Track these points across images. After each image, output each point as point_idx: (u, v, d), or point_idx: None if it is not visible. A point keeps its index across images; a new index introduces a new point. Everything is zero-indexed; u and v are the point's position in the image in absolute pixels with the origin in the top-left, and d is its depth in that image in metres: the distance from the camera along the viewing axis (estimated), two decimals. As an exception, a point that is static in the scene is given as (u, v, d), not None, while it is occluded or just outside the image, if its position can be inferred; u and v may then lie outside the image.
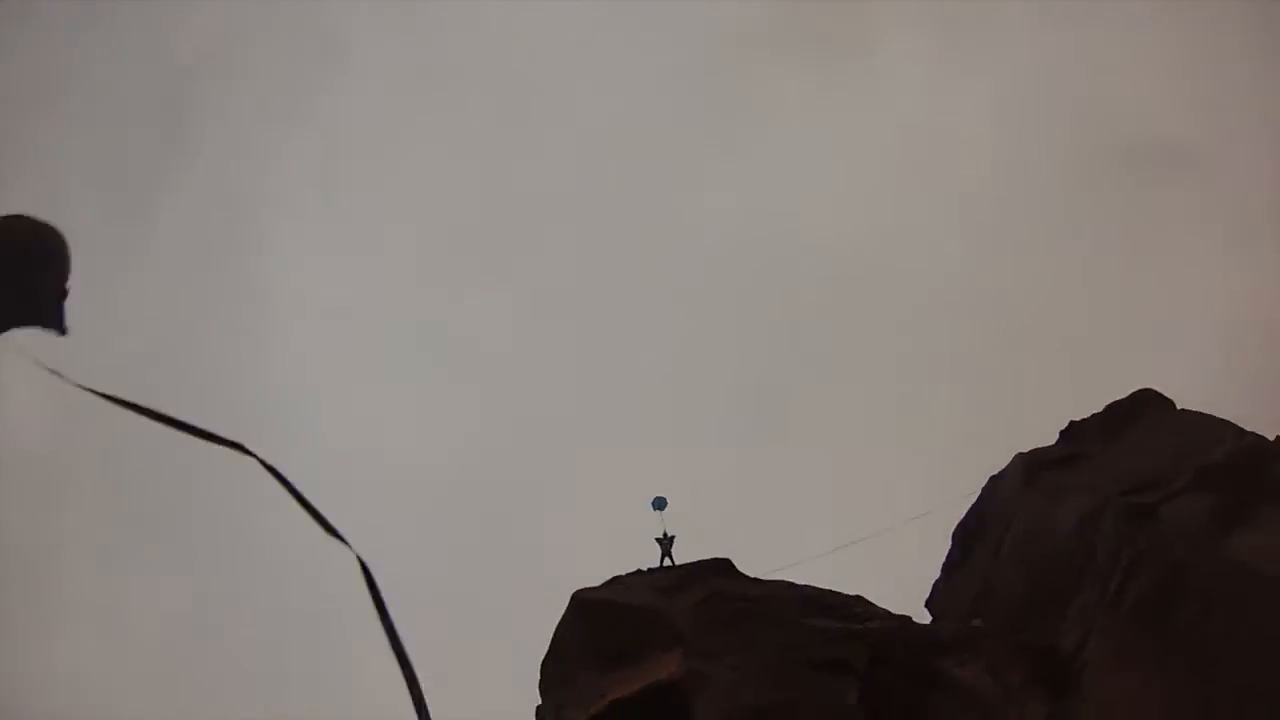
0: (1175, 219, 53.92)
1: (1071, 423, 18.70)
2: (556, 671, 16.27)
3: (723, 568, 16.61)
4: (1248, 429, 16.51)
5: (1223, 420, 17.64)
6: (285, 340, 63.36)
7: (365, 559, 4.37)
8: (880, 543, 21.34)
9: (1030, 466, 17.25)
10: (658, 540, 19.68)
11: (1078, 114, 57.60)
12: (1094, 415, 18.63)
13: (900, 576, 19.86)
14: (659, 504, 20.18)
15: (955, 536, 18.22)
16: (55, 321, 3.99)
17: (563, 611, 16.78)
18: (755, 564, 17.54)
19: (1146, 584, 13.53)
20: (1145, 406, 18.54)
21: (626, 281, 64.56)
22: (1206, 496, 14.73)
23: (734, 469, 51.48)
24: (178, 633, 47.25)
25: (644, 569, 18.19)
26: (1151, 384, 18.87)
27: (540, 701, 16.55)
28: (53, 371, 3.87)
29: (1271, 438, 16.26)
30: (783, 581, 16.50)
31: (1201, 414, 18.21)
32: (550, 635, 16.78)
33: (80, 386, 3.99)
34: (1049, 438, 18.96)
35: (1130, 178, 64.31)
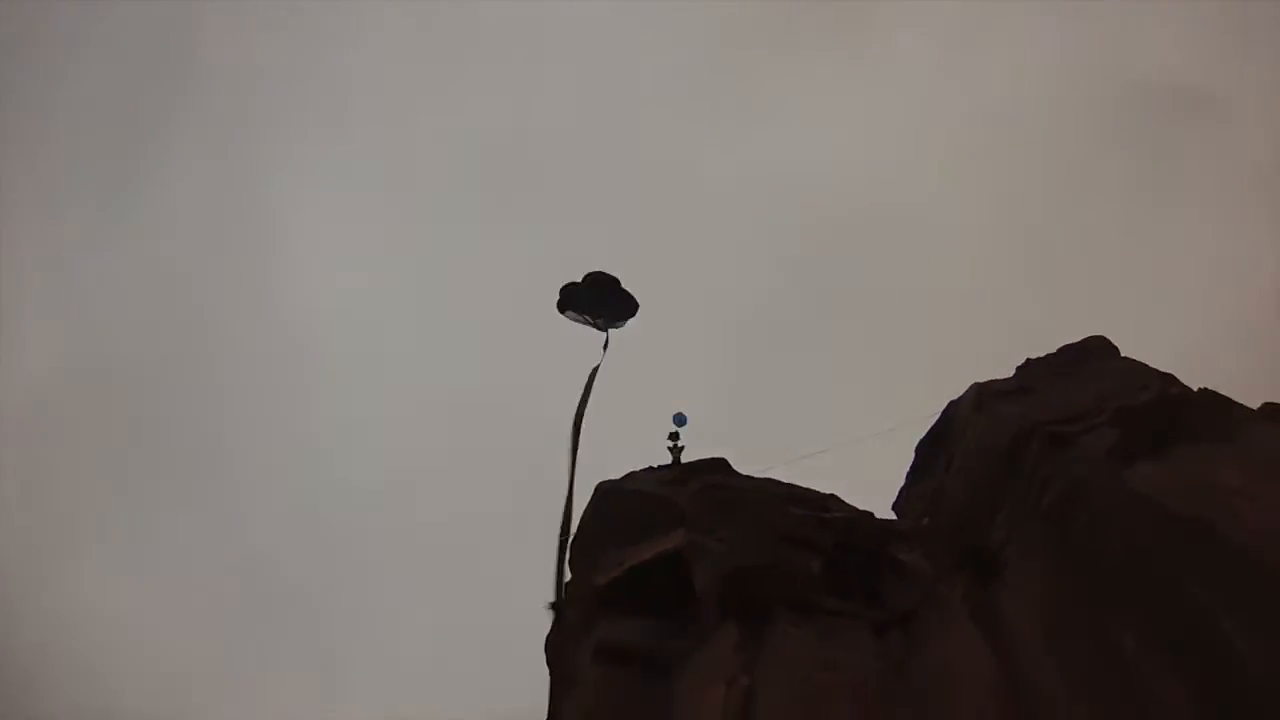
0: (1196, 176, 55.11)
1: (1027, 360, 21.31)
2: (584, 547, 19.23)
3: (719, 466, 19.79)
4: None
5: (1158, 371, 20.22)
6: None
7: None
8: (862, 454, 24.34)
9: (982, 394, 19.72)
10: (669, 449, 22.74)
11: (1099, 71, 58.32)
12: (1046, 355, 21.21)
13: (876, 482, 22.98)
14: (679, 420, 22.78)
15: (917, 450, 21.16)
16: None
17: (588, 500, 20.02)
18: (750, 466, 20.73)
19: (1054, 496, 16.26)
20: (1093, 352, 21.24)
21: (636, 241, 66.47)
22: (1117, 431, 17.56)
23: (740, 386, 55.02)
24: (206, 571, 50.95)
25: (654, 466, 21.45)
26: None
27: (571, 575, 19.46)
28: None
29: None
30: (769, 479, 19.65)
31: (1140, 363, 20.80)
32: (578, 520, 19.83)
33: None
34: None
35: (1152, 135, 64.96)
